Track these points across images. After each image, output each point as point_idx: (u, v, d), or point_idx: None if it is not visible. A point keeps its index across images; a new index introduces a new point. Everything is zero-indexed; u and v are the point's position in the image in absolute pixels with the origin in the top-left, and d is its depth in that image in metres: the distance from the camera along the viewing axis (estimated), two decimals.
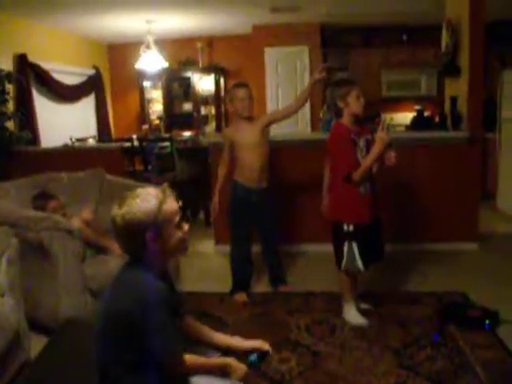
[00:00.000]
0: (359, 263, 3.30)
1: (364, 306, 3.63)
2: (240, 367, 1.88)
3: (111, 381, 1.72)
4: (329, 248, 3.55)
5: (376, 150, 3.14)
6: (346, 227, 3.30)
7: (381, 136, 3.12)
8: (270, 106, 8.07)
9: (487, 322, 3.24)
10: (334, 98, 3.31)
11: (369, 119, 3.56)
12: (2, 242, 2.80)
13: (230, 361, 1.88)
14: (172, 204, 1.76)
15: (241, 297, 3.91)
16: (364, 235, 3.30)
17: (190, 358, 1.78)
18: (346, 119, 3.30)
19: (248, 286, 4.05)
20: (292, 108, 3.88)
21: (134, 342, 1.66)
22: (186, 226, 1.82)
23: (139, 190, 1.75)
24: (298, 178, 4.92)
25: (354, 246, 3.29)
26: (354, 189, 3.25)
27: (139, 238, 1.68)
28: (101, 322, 1.73)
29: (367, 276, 3.59)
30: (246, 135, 3.79)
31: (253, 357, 1.96)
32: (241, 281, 4.00)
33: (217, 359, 1.92)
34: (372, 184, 3.35)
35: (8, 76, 5.71)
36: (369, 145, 3.27)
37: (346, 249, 3.32)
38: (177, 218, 1.76)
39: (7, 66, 6.07)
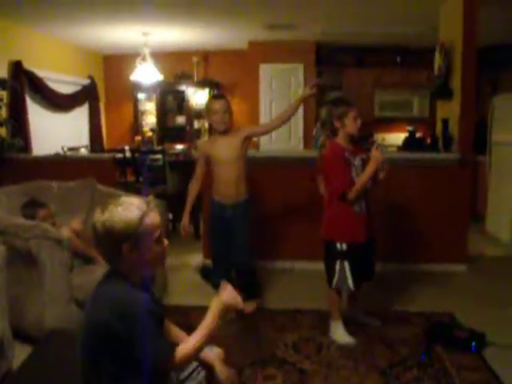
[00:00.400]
0: (350, 282, 3.32)
1: (366, 319, 3.68)
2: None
3: None
4: (316, 266, 3.55)
5: (370, 168, 3.18)
6: (339, 246, 3.31)
7: (375, 155, 3.17)
8: (264, 122, 8.10)
9: (473, 343, 3.24)
10: (331, 117, 3.33)
11: (362, 139, 3.58)
12: None
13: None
14: (154, 217, 1.74)
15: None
16: (357, 254, 3.31)
17: (180, 351, 1.77)
18: (340, 138, 3.33)
19: None
20: (274, 123, 3.82)
21: (118, 354, 1.65)
22: (165, 242, 1.80)
23: (123, 199, 1.73)
24: (288, 195, 4.92)
25: (346, 264, 3.30)
26: (349, 208, 3.27)
27: (117, 247, 1.67)
28: (83, 334, 1.72)
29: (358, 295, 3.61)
30: (222, 149, 3.67)
31: (216, 278, 1.90)
32: None
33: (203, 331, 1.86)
34: (367, 203, 3.37)
35: (2, 82, 5.70)
36: (364, 164, 3.30)
37: (337, 267, 3.33)
38: (157, 233, 1.74)
39: (1, 72, 6.07)
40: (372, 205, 3.50)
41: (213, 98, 3.80)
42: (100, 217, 1.68)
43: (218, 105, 3.63)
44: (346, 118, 3.27)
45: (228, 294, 1.87)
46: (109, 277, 1.77)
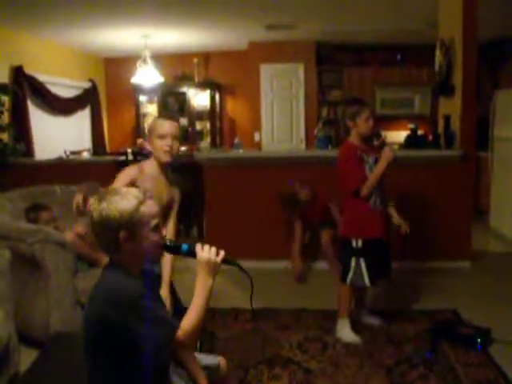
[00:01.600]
0: (366, 278, 3.35)
1: (370, 319, 3.69)
2: None
3: None
4: (321, 265, 3.54)
5: (382, 164, 3.27)
6: (354, 243, 3.36)
7: (386, 152, 3.26)
8: (265, 122, 8.15)
9: (479, 340, 3.24)
10: (344, 117, 3.45)
11: (372, 137, 3.62)
12: None
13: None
14: (151, 206, 1.75)
15: None
16: (373, 251, 3.35)
17: (184, 325, 1.75)
18: (353, 137, 3.41)
19: None
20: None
21: (114, 346, 1.65)
22: (163, 231, 1.81)
23: (120, 189, 1.76)
24: None
25: (362, 261, 3.34)
26: (365, 204, 3.33)
27: (113, 235, 1.67)
28: (83, 330, 1.73)
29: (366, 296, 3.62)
30: (159, 189, 2.67)
31: (185, 246, 1.85)
32: None
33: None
34: (382, 200, 3.42)
35: (3, 88, 5.71)
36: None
37: (353, 264, 3.37)
38: (154, 222, 1.74)
39: (3, 77, 6.09)
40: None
41: (161, 116, 2.83)
42: (97, 206, 1.68)
43: (169, 126, 2.64)
44: (358, 117, 3.34)
45: (202, 252, 1.81)
46: (107, 269, 1.77)
